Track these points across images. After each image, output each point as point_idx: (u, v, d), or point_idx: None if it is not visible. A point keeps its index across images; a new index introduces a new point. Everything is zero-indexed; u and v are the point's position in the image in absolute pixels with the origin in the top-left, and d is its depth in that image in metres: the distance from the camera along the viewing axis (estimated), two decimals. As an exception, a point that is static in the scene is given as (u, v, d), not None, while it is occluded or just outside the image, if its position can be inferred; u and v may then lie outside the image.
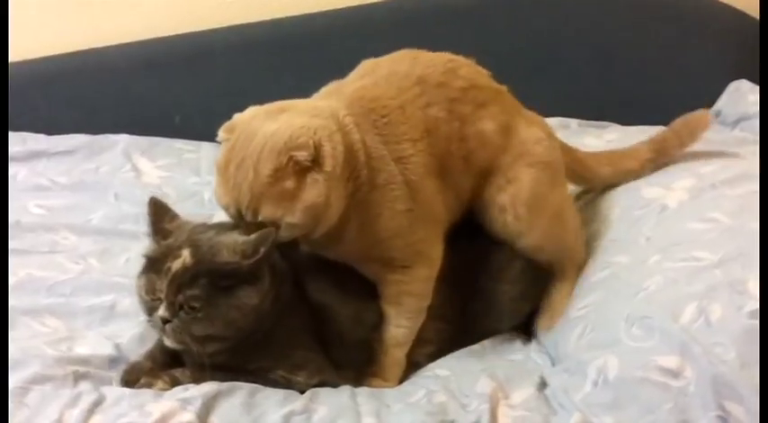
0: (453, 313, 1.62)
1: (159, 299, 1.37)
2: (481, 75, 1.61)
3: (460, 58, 1.60)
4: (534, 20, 2.35)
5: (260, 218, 1.36)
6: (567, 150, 1.75)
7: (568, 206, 1.69)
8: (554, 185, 1.64)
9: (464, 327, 1.63)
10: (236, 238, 1.39)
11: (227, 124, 1.43)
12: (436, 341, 1.61)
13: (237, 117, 1.44)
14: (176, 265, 1.37)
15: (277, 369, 1.46)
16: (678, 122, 1.82)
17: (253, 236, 1.37)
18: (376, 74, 1.55)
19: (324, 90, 1.57)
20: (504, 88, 1.63)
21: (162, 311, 1.37)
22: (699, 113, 1.83)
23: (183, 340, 1.38)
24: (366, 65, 1.60)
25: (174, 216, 1.47)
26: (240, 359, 1.44)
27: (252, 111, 1.45)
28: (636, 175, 1.78)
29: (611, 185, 1.80)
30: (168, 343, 1.40)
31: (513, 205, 1.56)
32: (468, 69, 1.58)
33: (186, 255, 1.37)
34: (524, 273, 1.65)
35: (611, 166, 1.79)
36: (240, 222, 1.41)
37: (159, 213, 1.46)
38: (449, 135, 1.52)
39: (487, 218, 1.59)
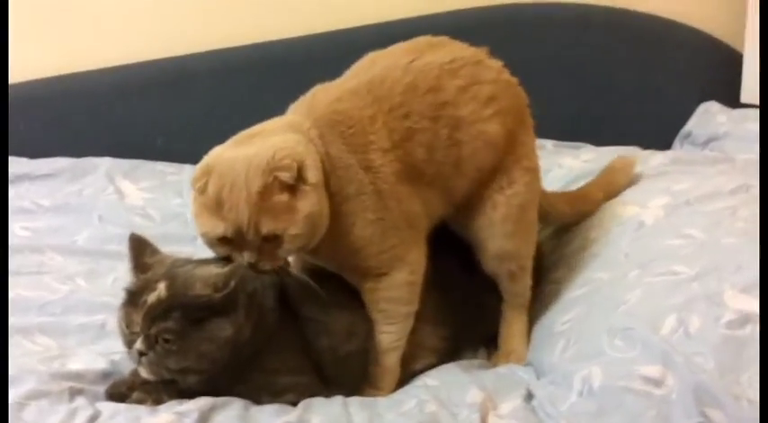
0: (449, 317, 1.64)
1: (136, 332, 1.38)
2: (489, 70, 1.58)
3: (466, 55, 1.57)
4: (508, 43, 2.38)
5: (263, 233, 1.37)
6: None
7: (535, 228, 1.70)
8: (536, 197, 1.68)
9: (461, 333, 1.66)
10: (212, 270, 1.40)
11: (198, 171, 1.41)
12: (439, 349, 1.64)
13: (205, 160, 1.42)
14: (152, 298, 1.37)
15: (262, 395, 1.46)
16: (611, 165, 1.88)
17: (225, 268, 1.39)
18: (366, 75, 1.53)
19: (308, 95, 1.54)
20: (515, 81, 1.62)
21: (138, 345, 1.37)
22: (626, 158, 1.90)
23: (159, 373, 1.39)
24: (366, 60, 1.58)
25: (155, 251, 1.48)
26: (224, 386, 1.44)
27: (217, 148, 1.44)
28: (589, 215, 1.82)
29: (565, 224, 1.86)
30: (145, 375, 1.40)
31: (508, 205, 1.59)
32: (471, 68, 1.55)
33: (162, 288, 1.38)
34: None
35: (570, 206, 1.83)
36: (244, 244, 1.40)
37: (140, 248, 1.46)
38: (430, 144, 1.50)
39: (474, 210, 1.60)
